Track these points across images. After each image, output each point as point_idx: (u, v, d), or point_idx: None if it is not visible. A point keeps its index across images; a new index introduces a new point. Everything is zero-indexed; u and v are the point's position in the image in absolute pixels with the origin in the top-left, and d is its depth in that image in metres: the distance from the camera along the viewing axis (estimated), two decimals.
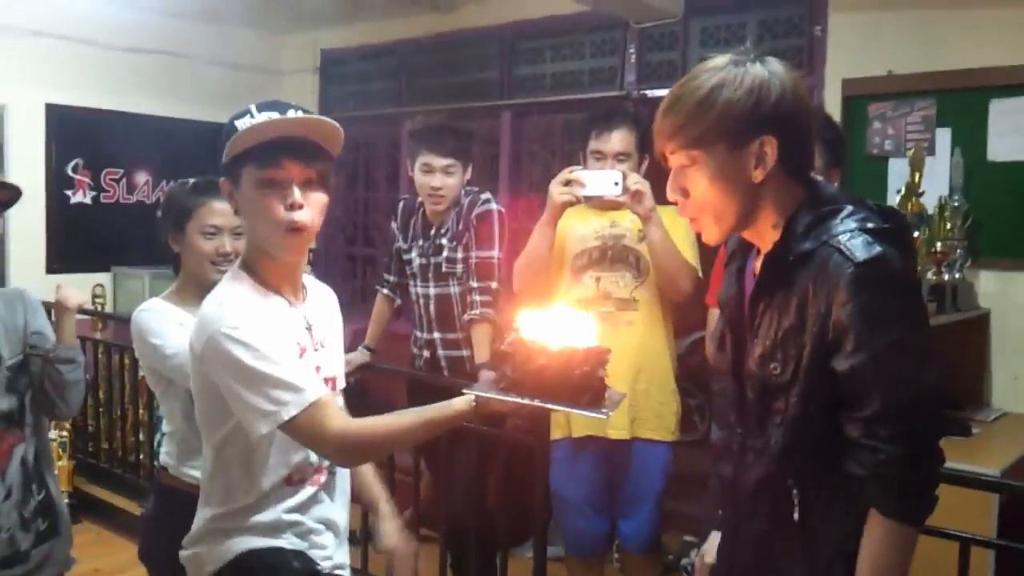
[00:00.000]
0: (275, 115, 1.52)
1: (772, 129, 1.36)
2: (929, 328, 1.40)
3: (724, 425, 1.59)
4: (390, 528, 1.84)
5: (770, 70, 1.37)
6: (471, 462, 2.98)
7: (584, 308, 2.82)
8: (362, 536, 3.41)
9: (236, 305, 1.53)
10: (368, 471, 1.87)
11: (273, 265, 1.60)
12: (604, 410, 1.48)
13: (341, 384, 1.78)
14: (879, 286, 1.29)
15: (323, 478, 1.67)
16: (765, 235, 1.44)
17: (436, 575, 3.16)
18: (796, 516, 1.40)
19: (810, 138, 1.42)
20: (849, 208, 1.37)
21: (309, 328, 1.66)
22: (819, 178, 1.47)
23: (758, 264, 1.47)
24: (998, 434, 3.09)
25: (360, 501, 1.89)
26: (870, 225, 1.33)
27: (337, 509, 1.73)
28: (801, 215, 1.38)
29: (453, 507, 3.14)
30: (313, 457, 1.63)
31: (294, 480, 1.63)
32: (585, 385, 1.45)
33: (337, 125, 1.56)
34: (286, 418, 1.47)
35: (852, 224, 1.34)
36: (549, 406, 1.46)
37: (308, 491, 1.65)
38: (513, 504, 3.13)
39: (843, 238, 1.32)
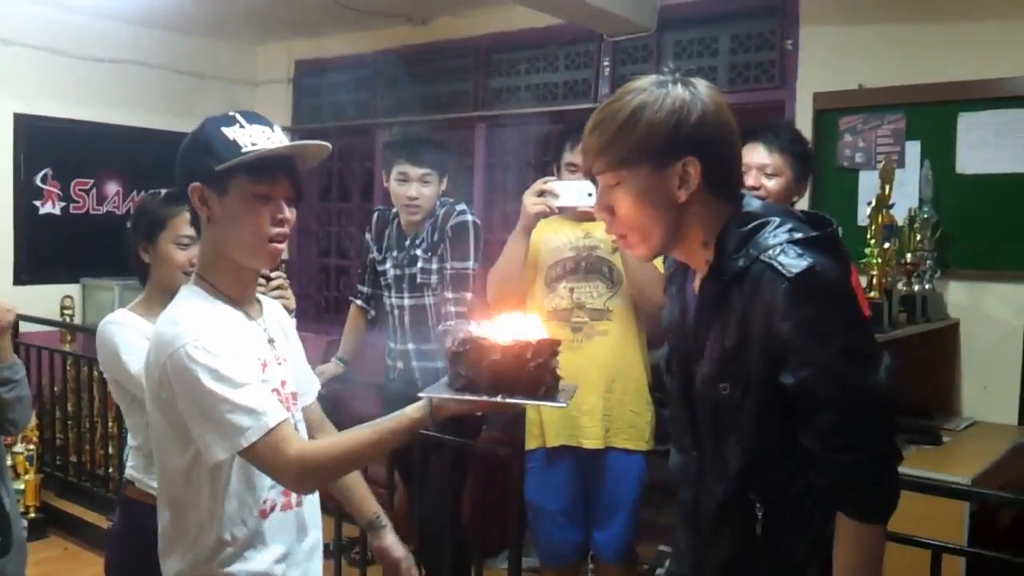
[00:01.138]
0: (268, 130, 1.54)
1: (694, 150, 1.37)
2: (867, 328, 1.41)
3: (681, 449, 1.60)
4: (392, 541, 1.85)
5: (692, 91, 1.39)
6: (445, 474, 2.97)
7: (558, 319, 2.87)
8: (335, 548, 3.38)
9: (194, 323, 1.48)
10: (360, 485, 1.87)
11: (237, 276, 1.58)
12: (561, 401, 1.49)
13: (306, 400, 1.77)
14: (814, 298, 1.30)
15: (294, 498, 1.64)
16: (695, 254, 1.46)
17: None
18: (759, 530, 1.40)
19: (735, 157, 1.44)
20: (776, 220, 1.38)
21: (271, 341, 1.64)
22: (744, 192, 1.47)
23: (696, 285, 1.48)
24: (968, 443, 3.12)
25: (354, 516, 1.89)
26: (798, 235, 1.35)
27: (311, 527, 1.70)
28: (730, 232, 1.39)
29: (427, 519, 3.12)
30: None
31: (267, 510, 1.58)
32: (540, 377, 1.45)
33: (327, 148, 1.60)
34: (245, 444, 1.43)
35: (781, 236, 1.35)
36: (509, 401, 1.46)
37: (281, 517, 1.61)
38: (487, 516, 3.11)
39: (773, 253, 1.33)
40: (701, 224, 1.42)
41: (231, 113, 1.55)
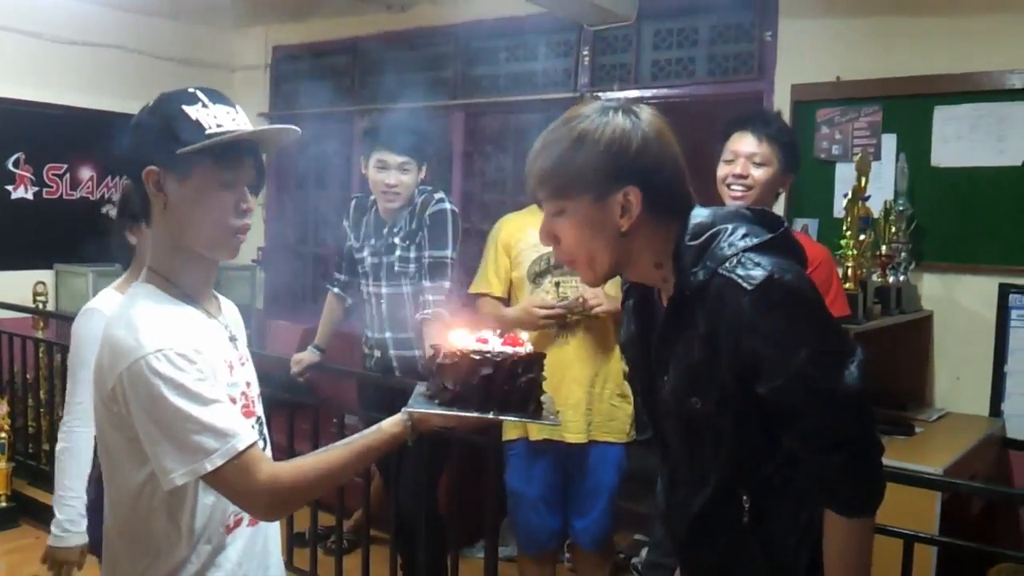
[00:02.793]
0: (232, 111, 1.42)
1: (635, 179, 1.34)
2: (834, 322, 1.40)
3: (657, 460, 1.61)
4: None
5: (633, 120, 1.35)
6: (422, 463, 2.97)
7: None
8: (311, 537, 3.38)
9: (156, 330, 1.33)
10: None
11: (197, 269, 1.46)
12: (553, 418, 1.47)
13: (258, 408, 1.60)
14: (777, 307, 1.29)
15: None
16: (648, 274, 1.44)
17: None
18: (747, 520, 1.40)
19: (679, 180, 1.40)
20: (728, 227, 1.36)
21: (233, 340, 1.53)
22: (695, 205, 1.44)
23: (664, 300, 1.45)
24: (940, 433, 3.15)
25: None
26: (753, 241, 1.33)
27: (273, 542, 1.62)
28: (683, 248, 1.37)
29: (403, 508, 3.12)
30: None
31: (231, 525, 1.48)
32: (530, 392, 1.43)
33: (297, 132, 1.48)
34: (210, 468, 1.30)
35: (738, 244, 1.33)
36: (502, 418, 1.43)
37: (247, 532, 1.51)
38: (464, 505, 3.12)
39: (731, 265, 1.31)
40: (648, 247, 1.39)
41: (191, 90, 1.41)
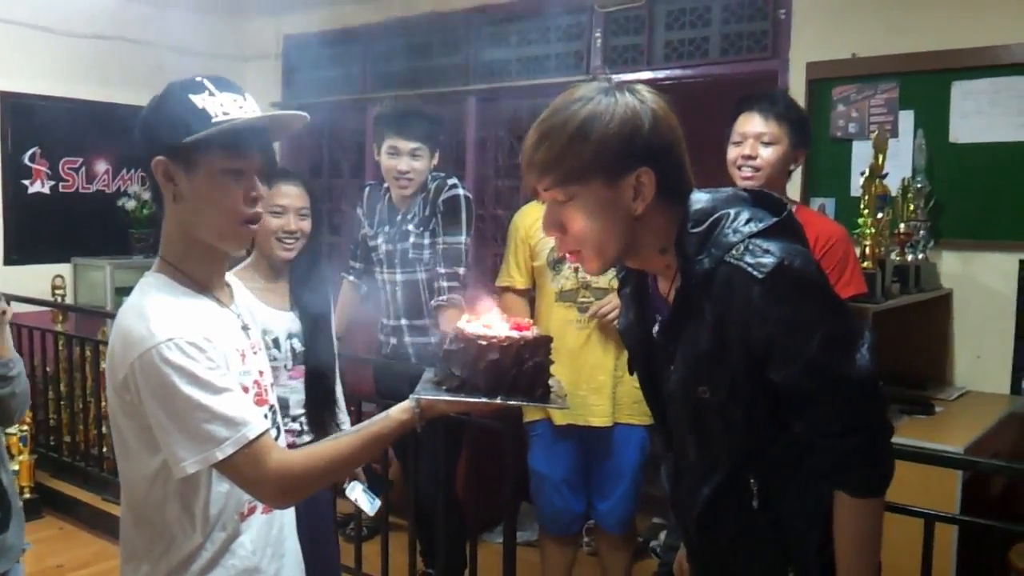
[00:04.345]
0: (240, 98, 1.41)
1: (648, 160, 1.31)
2: (844, 305, 1.38)
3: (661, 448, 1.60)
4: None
5: (640, 99, 1.32)
6: (439, 448, 2.97)
7: (565, 299, 2.88)
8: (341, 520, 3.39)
9: (167, 319, 1.34)
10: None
11: (207, 260, 1.46)
12: (560, 401, 1.46)
13: (271, 396, 1.61)
14: (788, 295, 1.27)
15: None
16: (651, 260, 1.41)
17: (406, 563, 3.15)
18: (756, 504, 1.40)
19: (685, 162, 1.37)
20: (730, 212, 1.33)
21: (245, 328, 1.53)
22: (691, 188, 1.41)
23: (665, 290, 1.43)
24: (960, 412, 3.12)
25: None
26: (758, 227, 1.31)
27: (288, 529, 1.62)
28: (686, 235, 1.34)
29: (422, 493, 3.13)
30: None
31: (245, 512, 1.49)
32: (538, 377, 1.42)
33: (305, 118, 1.48)
34: (221, 457, 1.32)
35: (743, 230, 1.30)
36: (510, 403, 1.42)
37: (261, 519, 1.52)
38: (482, 489, 3.12)
39: (738, 253, 1.28)
40: (655, 232, 1.37)
41: (198, 78, 1.41)
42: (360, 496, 2.58)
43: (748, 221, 1.32)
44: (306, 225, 2.48)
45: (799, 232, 1.38)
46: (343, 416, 2.62)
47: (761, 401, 1.35)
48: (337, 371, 2.65)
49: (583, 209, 1.34)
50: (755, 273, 1.27)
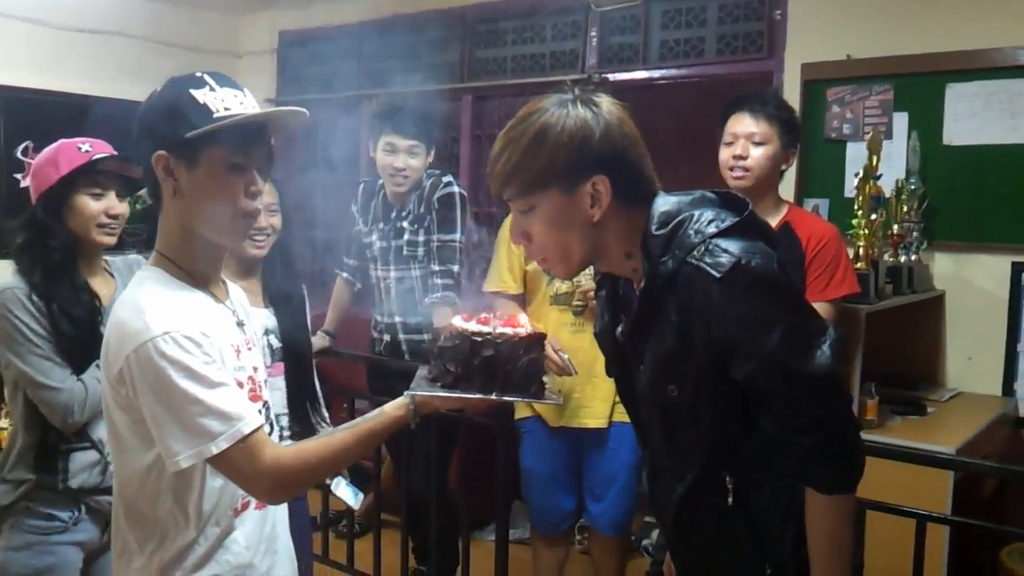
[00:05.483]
0: (240, 94, 1.42)
1: (602, 168, 1.34)
2: (804, 303, 1.39)
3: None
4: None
5: (594, 110, 1.35)
6: (432, 446, 2.97)
7: (560, 303, 2.88)
8: (322, 521, 3.39)
9: (163, 313, 1.34)
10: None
11: (206, 254, 1.46)
12: (555, 397, 1.47)
13: (265, 392, 1.60)
14: (747, 293, 1.29)
15: None
16: (619, 265, 1.44)
17: (397, 560, 3.15)
18: (731, 501, 1.41)
19: (643, 166, 1.40)
20: (694, 214, 1.36)
21: (240, 325, 1.53)
22: (656, 191, 1.43)
23: (636, 290, 1.45)
24: (952, 413, 3.14)
25: None
26: (719, 227, 1.33)
27: (281, 525, 1.62)
28: (651, 238, 1.37)
29: (414, 491, 3.13)
30: None
31: (238, 508, 1.48)
32: (532, 373, 1.43)
33: (305, 114, 1.47)
34: (215, 451, 1.31)
35: (705, 231, 1.33)
36: (505, 399, 1.43)
37: (255, 515, 1.52)
38: (475, 488, 3.12)
39: (698, 253, 1.31)
40: (619, 237, 1.40)
41: (198, 74, 1.41)
42: (344, 491, 2.57)
43: (710, 222, 1.34)
44: (276, 221, 2.49)
45: (764, 231, 1.40)
46: (324, 412, 2.62)
47: (729, 398, 1.36)
48: (314, 367, 2.64)
49: (544, 218, 1.38)
50: (713, 272, 1.29)
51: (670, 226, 1.36)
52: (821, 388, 1.32)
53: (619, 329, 1.50)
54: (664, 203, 1.40)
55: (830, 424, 1.33)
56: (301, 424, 2.43)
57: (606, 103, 1.37)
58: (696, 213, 1.36)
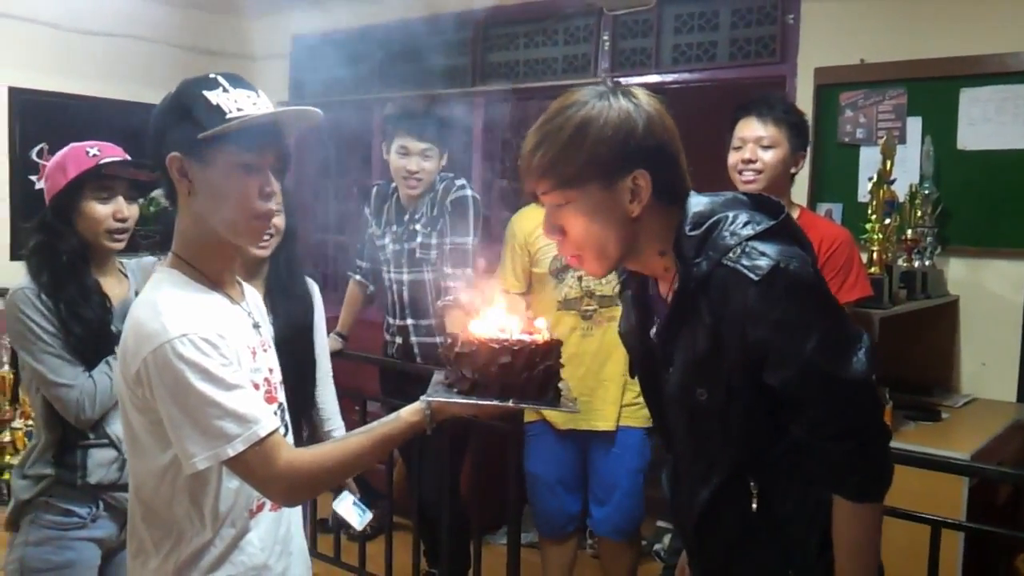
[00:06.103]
0: (253, 95, 1.42)
1: (643, 162, 1.32)
2: (839, 309, 1.38)
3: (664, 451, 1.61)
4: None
5: (635, 102, 1.33)
6: (444, 449, 2.97)
7: (568, 308, 2.88)
8: (334, 525, 3.39)
9: (180, 315, 1.35)
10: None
11: (221, 256, 1.47)
12: (571, 405, 1.46)
13: (280, 394, 1.60)
14: (783, 297, 1.27)
15: None
16: (651, 263, 1.42)
17: (409, 563, 3.15)
18: (754, 506, 1.40)
19: (681, 162, 1.38)
20: (728, 215, 1.34)
21: (256, 327, 1.54)
22: (689, 191, 1.42)
23: (666, 292, 1.43)
24: (967, 419, 3.12)
25: None
26: (756, 229, 1.31)
27: (296, 527, 1.62)
28: (684, 238, 1.35)
29: (426, 495, 3.13)
30: None
31: (254, 510, 1.48)
32: (548, 380, 1.42)
33: (318, 114, 1.47)
34: (232, 453, 1.32)
35: (740, 233, 1.31)
36: (522, 406, 1.42)
37: (270, 517, 1.52)
38: (486, 491, 3.12)
39: (735, 255, 1.29)
40: (655, 234, 1.38)
41: (212, 75, 1.41)
42: (349, 509, 2.52)
43: (746, 224, 1.33)
44: (280, 222, 2.42)
45: (798, 235, 1.39)
46: (338, 422, 2.61)
47: (759, 404, 1.35)
48: (330, 376, 2.63)
49: (581, 212, 1.35)
50: (751, 275, 1.27)
51: (704, 227, 1.34)
52: (857, 395, 1.31)
53: (653, 330, 1.48)
54: (697, 203, 1.38)
55: (864, 432, 1.32)
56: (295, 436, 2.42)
57: (644, 96, 1.36)
58: (731, 215, 1.34)
